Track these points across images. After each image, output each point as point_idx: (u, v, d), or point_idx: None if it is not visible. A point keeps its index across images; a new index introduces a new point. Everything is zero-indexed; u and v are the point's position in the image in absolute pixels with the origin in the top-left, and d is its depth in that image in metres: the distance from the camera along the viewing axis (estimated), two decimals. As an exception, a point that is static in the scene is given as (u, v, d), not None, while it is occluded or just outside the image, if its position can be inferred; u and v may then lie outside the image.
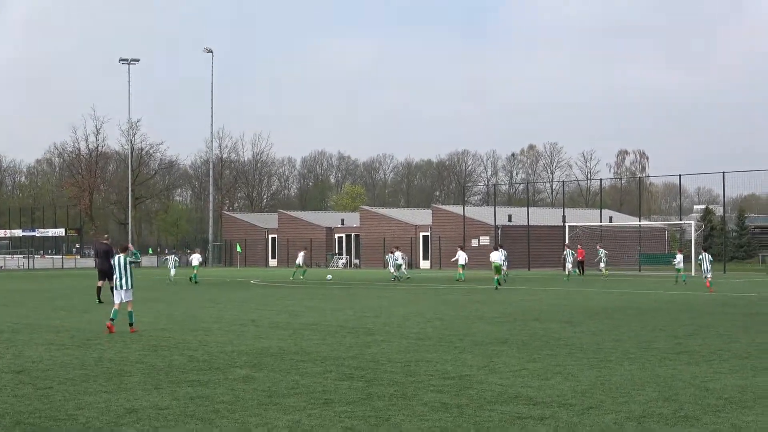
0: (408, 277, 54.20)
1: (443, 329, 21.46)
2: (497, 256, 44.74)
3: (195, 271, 50.74)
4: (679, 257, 47.38)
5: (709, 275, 40.10)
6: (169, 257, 59.25)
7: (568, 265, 55.21)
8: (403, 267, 54.65)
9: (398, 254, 54.16)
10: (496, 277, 43.06)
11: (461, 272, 52.57)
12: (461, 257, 53.24)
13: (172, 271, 52.08)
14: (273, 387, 13.01)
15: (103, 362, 15.81)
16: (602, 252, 58.96)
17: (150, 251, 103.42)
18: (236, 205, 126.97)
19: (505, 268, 47.37)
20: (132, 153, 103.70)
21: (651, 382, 13.24)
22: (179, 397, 12.21)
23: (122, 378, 13.99)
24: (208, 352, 17.20)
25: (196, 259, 51.65)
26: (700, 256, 42.41)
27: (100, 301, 31.96)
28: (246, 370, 14.77)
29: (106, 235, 38.88)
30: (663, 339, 18.97)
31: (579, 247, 62.16)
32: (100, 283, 32.68)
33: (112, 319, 21.17)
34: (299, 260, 58.77)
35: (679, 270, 46.59)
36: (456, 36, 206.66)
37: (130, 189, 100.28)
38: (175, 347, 18.00)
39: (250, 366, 15.20)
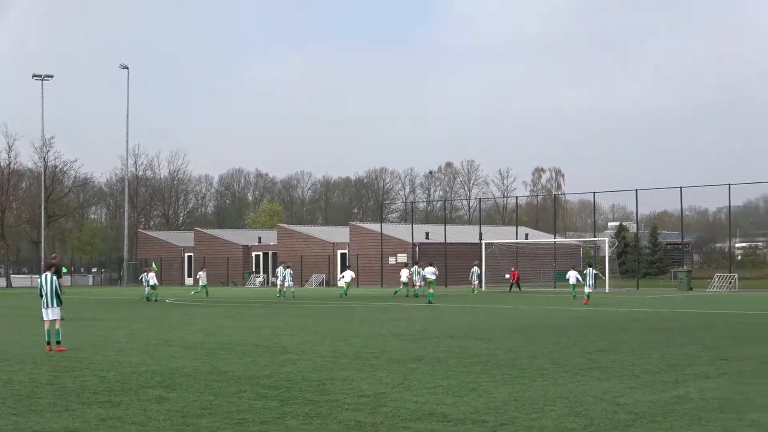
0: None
1: (359, 347, 21.46)
2: (431, 272, 48.29)
3: (154, 290, 50.79)
4: (571, 273, 48.50)
5: (589, 290, 43.00)
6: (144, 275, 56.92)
7: (475, 281, 59.39)
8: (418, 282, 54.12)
9: (405, 271, 55.56)
10: (430, 291, 46.31)
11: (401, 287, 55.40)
12: (404, 274, 55.49)
13: (147, 290, 51.54)
14: (186, 407, 12.88)
15: (12, 384, 15.51)
16: (475, 270, 61.54)
17: (64, 270, 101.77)
18: (152, 223, 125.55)
19: (419, 284, 49.93)
20: (45, 170, 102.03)
21: (563, 397, 13.39)
22: (90, 419, 12.03)
23: (32, 400, 13.74)
24: (120, 372, 16.98)
25: (152, 278, 51.52)
26: (585, 271, 45.44)
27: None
28: (159, 390, 14.60)
29: (54, 255, 38.30)
30: (576, 355, 19.19)
31: (513, 269, 65.29)
32: None
33: (48, 342, 21.00)
34: (202, 280, 56.67)
35: (573, 286, 47.94)
36: (374, 54, 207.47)
37: (43, 207, 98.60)
38: (87, 368, 17.73)
39: (164, 386, 15.03)
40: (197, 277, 55.90)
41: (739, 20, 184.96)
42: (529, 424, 11.36)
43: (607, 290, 61.40)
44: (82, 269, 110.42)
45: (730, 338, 23.15)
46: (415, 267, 54.03)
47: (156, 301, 48.68)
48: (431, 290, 47.01)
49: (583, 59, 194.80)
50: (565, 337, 23.87)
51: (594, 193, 75.74)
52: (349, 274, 55.42)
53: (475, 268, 61.02)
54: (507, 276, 63.62)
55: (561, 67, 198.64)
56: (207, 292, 54.90)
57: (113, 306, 45.56)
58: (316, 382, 15.35)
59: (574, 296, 47.16)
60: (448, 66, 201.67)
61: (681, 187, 66.83)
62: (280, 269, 55.57)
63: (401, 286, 55.31)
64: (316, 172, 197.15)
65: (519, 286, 63.27)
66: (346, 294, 53.15)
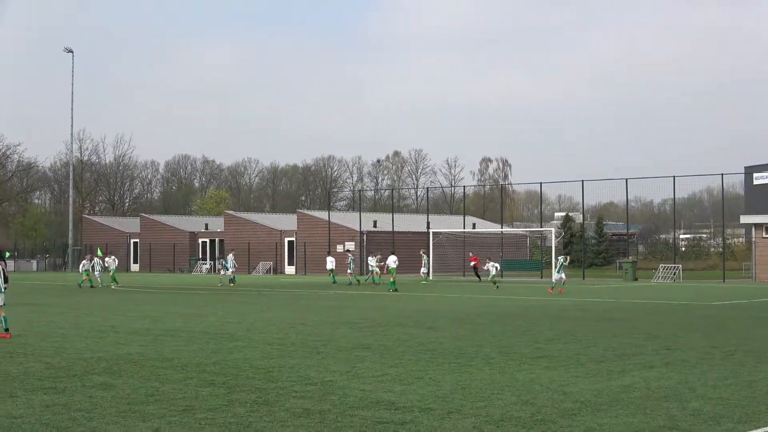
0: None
1: (307, 335, 21.43)
2: (393, 260, 49.46)
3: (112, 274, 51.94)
4: (489, 265, 50.19)
5: (558, 277, 44.73)
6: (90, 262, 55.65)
7: (423, 269, 60.38)
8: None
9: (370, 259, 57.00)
10: (392, 280, 47.20)
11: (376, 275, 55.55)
12: (330, 262, 56.66)
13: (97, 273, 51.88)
14: (132, 394, 12.79)
15: (-46, 370, 15.31)
16: (424, 258, 62.01)
17: (7, 255, 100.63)
18: (97, 208, 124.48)
19: (377, 272, 54.05)
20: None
21: (510, 386, 13.46)
22: (34, 405, 11.90)
23: (-25, 386, 13.57)
24: (65, 358, 16.82)
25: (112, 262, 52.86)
26: (559, 258, 47.44)
27: None
28: (104, 377, 14.48)
29: None
30: (523, 344, 19.30)
31: (471, 254, 64.99)
32: None
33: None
34: (112, 266, 53.63)
35: (493, 276, 49.47)
36: (322, 41, 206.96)
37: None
38: (32, 354, 17.55)
39: (109, 373, 14.91)
40: (105, 264, 53.74)
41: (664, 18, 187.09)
42: (476, 412, 11.41)
43: (553, 280, 61.87)
44: (25, 255, 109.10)
45: (674, 328, 23.41)
46: (370, 258, 56.52)
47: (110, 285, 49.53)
48: (393, 278, 47.50)
49: (531, 49, 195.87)
50: (511, 326, 24.01)
51: (541, 183, 76.25)
52: (374, 260, 55.70)
53: (425, 257, 61.19)
54: (472, 264, 62.96)
55: (508, 57, 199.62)
56: (115, 278, 52.55)
57: (58, 292, 45.12)
58: (264, 369, 15.30)
59: (497, 286, 47.87)
60: (395, 54, 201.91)
61: (627, 179, 67.42)
62: (230, 256, 55.17)
63: (331, 274, 56.03)
64: (264, 159, 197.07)
65: (478, 275, 61.97)
66: (376, 282, 54.56)
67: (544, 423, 10.74)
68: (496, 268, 50.63)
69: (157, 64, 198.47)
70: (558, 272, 44.39)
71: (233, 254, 56.23)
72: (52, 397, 12.59)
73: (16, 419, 10.99)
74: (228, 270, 53.49)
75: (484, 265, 55.85)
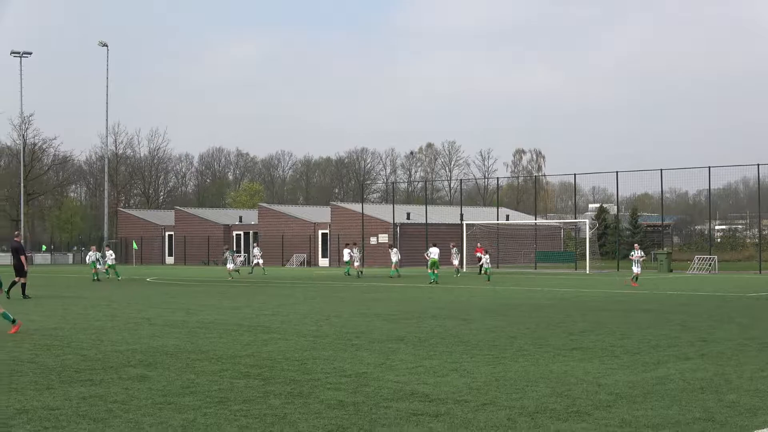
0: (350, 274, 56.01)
1: (340, 327, 21.47)
2: (436, 252, 47.92)
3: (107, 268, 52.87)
4: (433, 249, 49.53)
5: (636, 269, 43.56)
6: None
7: (455, 262, 58.23)
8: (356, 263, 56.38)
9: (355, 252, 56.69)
10: (434, 272, 46.15)
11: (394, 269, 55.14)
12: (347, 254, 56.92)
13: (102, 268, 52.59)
14: (168, 386, 12.87)
15: (-8, 362, 15.45)
16: (454, 250, 59.61)
17: (43, 248, 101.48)
18: (132, 202, 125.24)
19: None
20: (24, 148, 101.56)
21: (544, 378, 13.43)
22: (71, 397, 11.99)
23: (13, 378, 13.68)
24: (101, 351, 16.94)
25: (110, 257, 53.60)
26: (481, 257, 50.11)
27: (26, 297, 32.91)
28: (140, 369, 14.57)
29: (16, 232, 38.43)
30: (557, 336, 19.24)
31: (478, 245, 63.42)
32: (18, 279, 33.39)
33: (12, 321, 20.53)
34: (109, 260, 54.56)
35: (434, 262, 47.94)
36: (356, 33, 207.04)
37: (22, 185, 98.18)
38: (68, 346, 17.69)
39: (145, 365, 15.01)
40: (105, 257, 54.30)
41: (724, 10, 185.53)
42: (511, 404, 11.39)
43: (587, 271, 61.68)
44: (60, 248, 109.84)
45: (710, 320, 23.25)
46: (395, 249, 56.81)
47: (113, 278, 50.26)
48: (436, 270, 46.77)
49: (566, 39, 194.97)
50: (546, 318, 23.94)
51: (575, 174, 75.85)
52: (435, 251, 49.85)
53: (455, 249, 59.59)
54: (479, 255, 61.11)
55: (543, 49, 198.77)
56: (117, 273, 53.33)
57: (94, 285, 45.43)
58: (298, 361, 15.35)
59: (434, 280, 45.95)
60: (429, 46, 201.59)
61: (662, 170, 67.02)
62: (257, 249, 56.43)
63: (352, 266, 56.44)
64: (297, 151, 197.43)
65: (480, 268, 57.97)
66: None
67: (579, 415, 10.71)
68: (487, 260, 49.92)
69: (191, 58, 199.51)
70: (636, 265, 43.38)
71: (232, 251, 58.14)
72: (89, 389, 12.69)
73: (54, 411, 11.09)
74: (233, 264, 55.43)
75: (452, 254, 56.21)
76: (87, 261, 52.71)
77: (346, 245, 60.27)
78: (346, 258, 57.20)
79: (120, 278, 51.20)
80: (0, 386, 12.93)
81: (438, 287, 40.98)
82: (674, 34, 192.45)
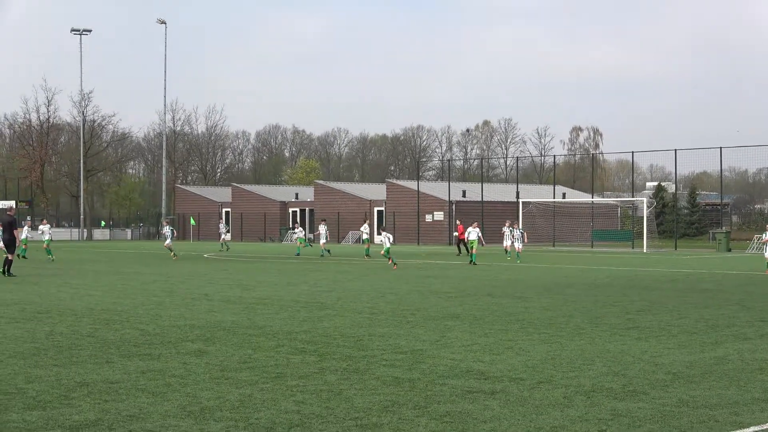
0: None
1: (396, 304, 21.52)
2: (473, 233, 44.20)
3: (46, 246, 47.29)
4: (364, 227, 49.15)
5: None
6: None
7: (507, 242, 50.30)
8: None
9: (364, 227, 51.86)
10: (473, 253, 42.90)
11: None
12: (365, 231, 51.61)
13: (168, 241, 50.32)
14: (225, 361, 12.99)
15: (54, 336, 15.68)
16: (509, 230, 51.19)
17: (102, 224, 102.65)
18: (189, 178, 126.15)
19: (518, 246, 47.03)
20: (84, 125, 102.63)
21: (601, 356, 13.37)
22: (130, 371, 12.15)
23: (73, 351, 13.89)
24: (159, 326, 17.14)
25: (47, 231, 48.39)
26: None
27: (9, 274, 31.23)
28: (198, 344, 14.73)
29: (12, 207, 37.83)
30: (614, 314, 19.14)
31: (458, 223, 57.07)
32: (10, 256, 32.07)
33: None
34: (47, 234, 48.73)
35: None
36: (412, 10, 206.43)
37: (81, 161, 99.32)
38: (127, 321, 17.91)
39: (203, 340, 15.16)
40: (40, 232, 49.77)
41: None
42: (567, 382, 11.36)
43: (645, 250, 61.21)
44: (119, 224, 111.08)
45: (769, 300, 22.99)
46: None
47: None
48: (475, 250, 43.08)
49: (623, 17, 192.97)
50: (602, 296, 23.82)
51: (633, 152, 75.20)
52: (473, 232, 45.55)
53: (507, 229, 50.58)
54: (455, 234, 56.82)
55: (601, 24, 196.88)
56: (49, 251, 47.53)
57: (151, 260, 45.93)
58: (354, 338, 15.42)
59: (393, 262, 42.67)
60: (485, 23, 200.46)
61: (721, 148, 66.18)
62: (321, 226, 53.29)
63: (368, 245, 51.23)
64: (353, 128, 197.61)
65: (464, 247, 52.08)
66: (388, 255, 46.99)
67: (636, 394, 10.66)
68: (389, 239, 44.23)
69: (248, 35, 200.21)
70: None
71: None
72: (148, 363, 12.85)
73: (113, 384, 11.25)
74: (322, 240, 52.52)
75: (362, 231, 51.40)
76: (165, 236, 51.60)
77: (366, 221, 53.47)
78: (364, 236, 51.60)
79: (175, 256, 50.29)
80: (61, 359, 13.14)
81: (492, 265, 40.80)
82: (734, 6, 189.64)
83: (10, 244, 31.87)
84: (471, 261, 42.47)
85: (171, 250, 48.19)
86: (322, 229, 53.04)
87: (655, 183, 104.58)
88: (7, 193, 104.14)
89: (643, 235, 64.34)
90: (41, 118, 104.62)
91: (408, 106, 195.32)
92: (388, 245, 42.08)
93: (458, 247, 54.07)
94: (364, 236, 51.26)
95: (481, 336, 15.63)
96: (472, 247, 43.62)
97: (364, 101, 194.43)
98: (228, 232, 53.47)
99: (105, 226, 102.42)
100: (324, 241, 52.71)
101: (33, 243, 52.07)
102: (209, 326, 17.01)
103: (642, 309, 20.37)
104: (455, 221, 61.41)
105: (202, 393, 10.71)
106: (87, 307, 20.61)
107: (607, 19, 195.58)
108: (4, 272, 31.34)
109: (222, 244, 62.97)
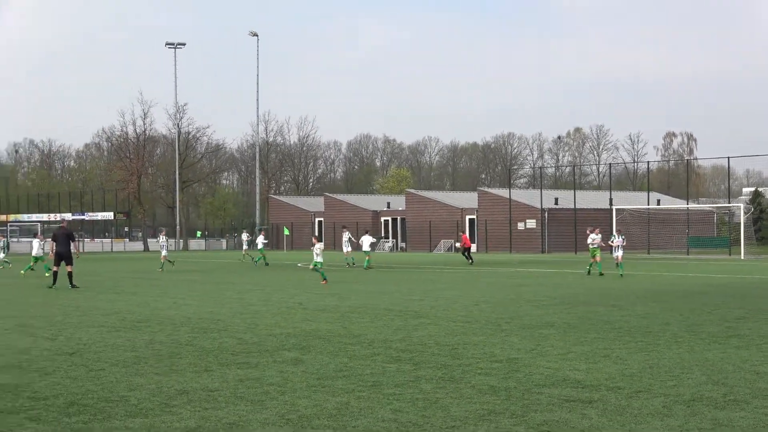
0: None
1: (490, 312, 21.46)
2: (596, 240, 40.29)
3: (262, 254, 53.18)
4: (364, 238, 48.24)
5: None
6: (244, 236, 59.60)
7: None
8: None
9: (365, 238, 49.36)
10: (591, 263, 39.63)
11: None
12: (366, 242, 48.95)
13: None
14: (321, 369, 13.09)
15: (153, 344, 15.97)
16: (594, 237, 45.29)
17: (198, 234, 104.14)
18: (282, 188, 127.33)
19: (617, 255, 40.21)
20: (179, 137, 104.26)
21: (700, 365, 13.18)
22: (229, 380, 12.32)
23: (173, 360, 14.13)
24: (256, 334, 17.33)
25: (260, 241, 54.27)
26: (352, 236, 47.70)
27: (74, 286, 31.35)
28: (295, 352, 14.86)
29: (64, 219, 39.06)
30: (712, 322, 18.84)
31: (463, 233, 57.89)
32: (56, 268, 32.35)
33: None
34: (260, 244, 54.38)
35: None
36: (501, 17, 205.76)
37: (177, 172, 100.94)
38: (224, 330, 18.15)
39: (299, 348, 15.29)
40: (254, 240, 54.53)
41: None
42: (666, 391, 11.22)
43: (742, 257, 60.11)
44: (214, 234, 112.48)
45: None
46: None
47: (267, 264, 50.98)
48: (599, 259, 38.81)
49: (716, 19, 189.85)
50: (699, 304, 23.45)
51: (728, 158, 73.82)
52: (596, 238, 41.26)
53: (592, 235, 43.09)
54: (457, 244, 56.42)
55: (692, 28, 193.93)
56: (264, 258, 52.62)
57: (246, 270, 46.43)
58: (449, 346, 15.41)
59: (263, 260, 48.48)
60: (576, 29, 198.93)
61: (820, 152, 64.58)
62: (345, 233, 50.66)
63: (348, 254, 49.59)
64: (443, 137, 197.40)
65: (470, 256, 53.98)
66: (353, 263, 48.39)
67: (737, 403, 10.49)
68: (371, 243, 44.29)
69: (339, 45, 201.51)
70: None
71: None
72: (246, 371, 13.01)
73: (213, 392, 11.41)
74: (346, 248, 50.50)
75: (350, 240, 49.67)
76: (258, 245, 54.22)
77: (366, 233, 51.42)
78: (365, 248, 48.59)
79: (257, 262, 52.41)
80: (161, 368, 13.37)
81: (585, 273, 40.27)
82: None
83: (68, 256, 31.87)
84: (588, 271, 39.32)
85: (170, 262, 49.34)
86: (345, 236, 50.28)
87: (752, 188, 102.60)
88: (105, 204, 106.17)
89: (740, 242, 63.15)
90: (138, 130, 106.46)
91: (498, 113, 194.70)
92: (367, 248, 43.03)
93: (467, 255, 53.72)
94: (365, 248, 48.59)
95: (577, 344, 15.51)
96: (594, 255, 39.34)
97: (454, 109, 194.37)
98: (260, 242, 52.72)
99: (201, 237, 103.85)
100: (348, 249, 49.94)
101: (153, 253, 54.72)
102: (305, 335, 17.15)
103: (741, 317, 20.01)
104: (458, 232, 61.65)
105: (299, 401, 10.82)
106: (185, 316, 20.93)
107: (701, 23, 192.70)
108: (70, 285, 31.22)
109: (244, 255, 59.16)
